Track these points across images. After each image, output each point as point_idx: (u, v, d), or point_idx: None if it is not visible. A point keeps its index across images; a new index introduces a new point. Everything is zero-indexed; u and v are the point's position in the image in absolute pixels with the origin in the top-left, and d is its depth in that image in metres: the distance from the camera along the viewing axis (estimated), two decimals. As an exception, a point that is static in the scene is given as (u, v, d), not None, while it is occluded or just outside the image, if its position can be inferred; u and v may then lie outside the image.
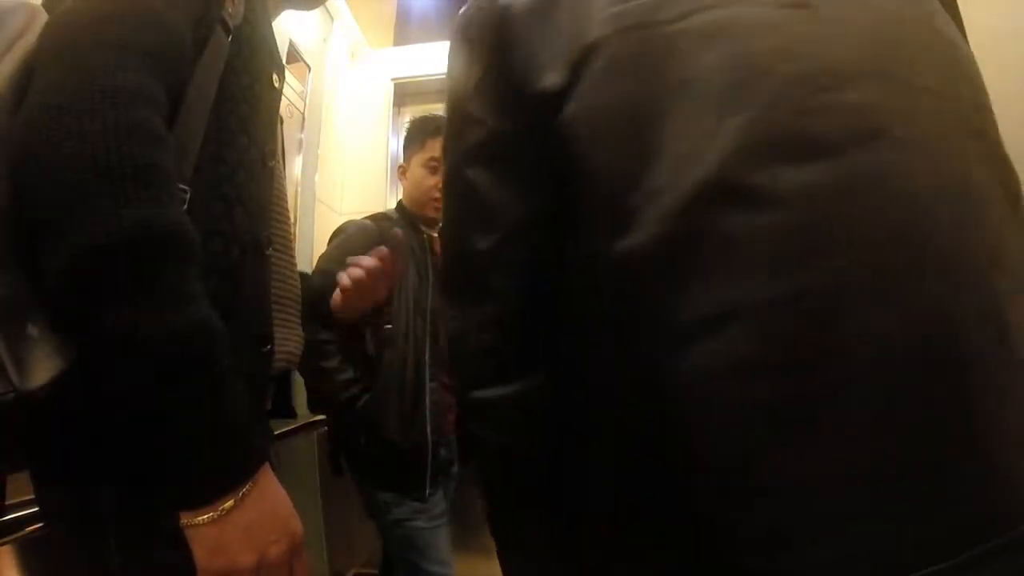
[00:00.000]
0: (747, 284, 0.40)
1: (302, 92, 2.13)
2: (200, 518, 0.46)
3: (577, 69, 0.45)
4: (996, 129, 0.48)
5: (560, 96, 0.46)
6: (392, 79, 2.54)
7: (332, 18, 2.36)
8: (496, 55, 0.49)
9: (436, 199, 1.54)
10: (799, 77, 0.42)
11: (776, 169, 0.40)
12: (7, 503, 0.79)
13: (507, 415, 0.51)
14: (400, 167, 1.63)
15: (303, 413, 1.67)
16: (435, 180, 1.53)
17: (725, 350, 0.40)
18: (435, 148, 1.55)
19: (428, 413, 1.42)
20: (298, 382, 1.62)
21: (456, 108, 0.52)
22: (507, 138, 0.48)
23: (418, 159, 1.56)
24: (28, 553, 0.88)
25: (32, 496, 0.61)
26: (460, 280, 0.54)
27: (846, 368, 0.39)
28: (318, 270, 1.44)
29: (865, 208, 0.40)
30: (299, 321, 0.73)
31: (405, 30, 2.74)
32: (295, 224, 1.96)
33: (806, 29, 0.44)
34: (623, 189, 0.43)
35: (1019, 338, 0.40)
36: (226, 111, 0.58)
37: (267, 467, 0.50)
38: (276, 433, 0.76)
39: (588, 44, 0.45)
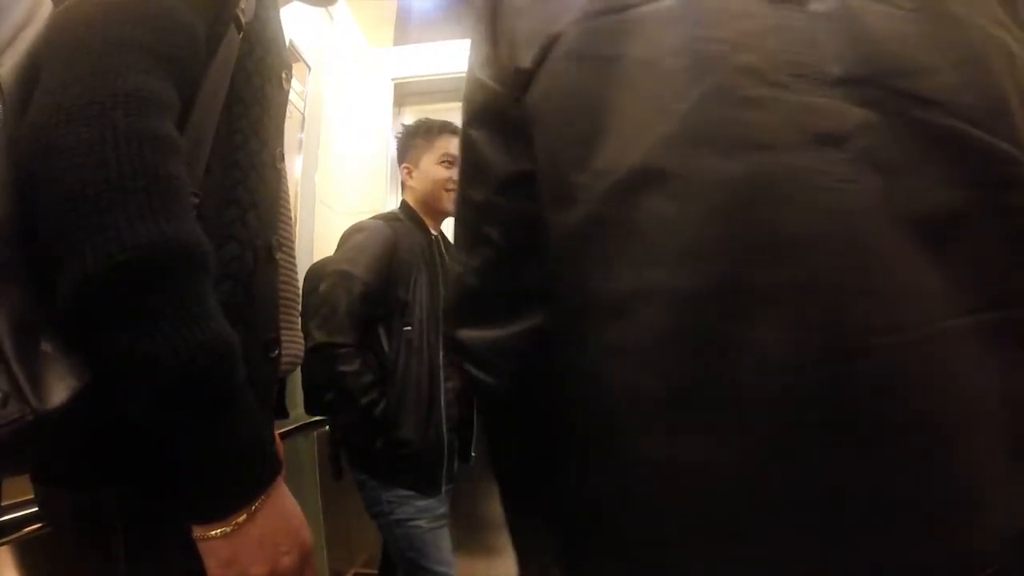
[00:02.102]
0: (655, 271, 0.41)
1: (302, 92, 2.12)
2: (213, 531, 0.46)
3: (544, 53, 0.48)
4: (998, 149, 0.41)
5: (528, 77, 0.49)
6: (392, 79, 2.53)
7: (332, 18, 2.36)
8: (493, 27, 0.53)
9: (451, 190, 1.58)
10: (750, 68, 0.41)
11: (702, 160, 0.40)
12: (2, 504, 0.79)
13: (485, 356, 0.54)
14: (405, 168, 1.64)
15: (301, 413, 1.66)
16: (451, 173, 1.57)
17: (631, 332, 0.42)
18: (446, 145, 1.59)
19: (444, 412, 1.45)
20: (294, 383, 1.62)
21: (470, 74, 0.55)
22: (501, 103, 0.52)
23: (430, 158, 1.59)
24: (26, 554, 0.88)
25: (29, 497, 0.61)
26: (461, 229, 0.57)
27: (735, 367, 0.39)
28: (335, 272, 1.44)
29: (778, 211, 0.39)
30: (300, 323, 0.73)
31: (405, 30, 2.74)
32: (295, 224, 1.95)
33: (782, 23, 0.42)
34: (569, 168, 0.46)
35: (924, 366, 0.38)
36: (237, 113, 0.57)
37: (279, 478, 0.50)
38: (278, 433, 0.76)
39: (555, 32, 0.47)
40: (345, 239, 1.54)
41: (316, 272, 1.58)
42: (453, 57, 2.46)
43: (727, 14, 0.43)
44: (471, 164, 0.55)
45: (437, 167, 1.58)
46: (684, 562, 0.41)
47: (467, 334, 0.55)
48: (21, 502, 0.80)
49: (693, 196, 0.40)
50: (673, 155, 0.41)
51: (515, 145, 0.51)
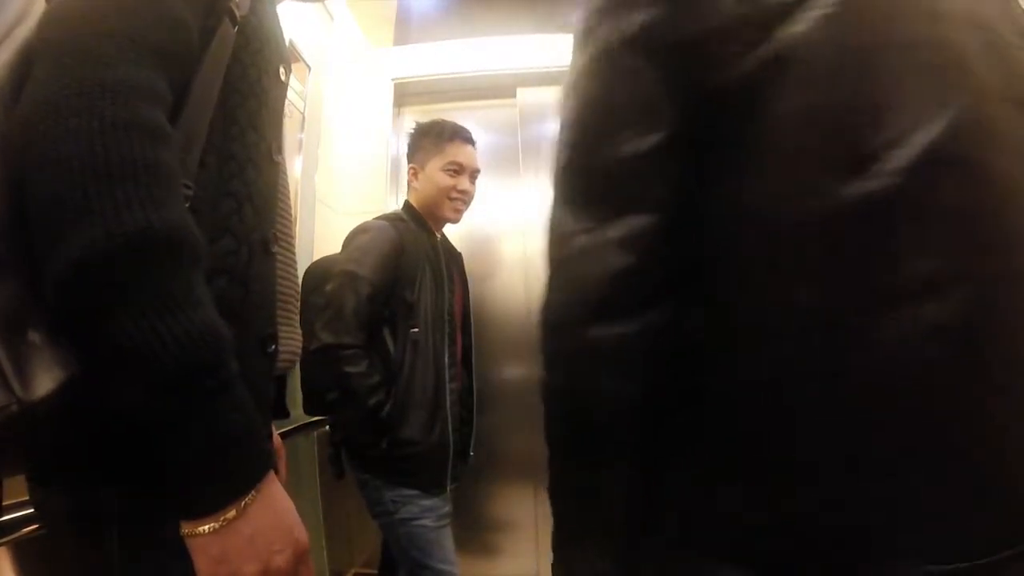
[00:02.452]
0: (964, 256, 0.42)
1: (302, 92, 2.12)
2: (202, 528, 0.45)
3: None
4: None
5: (789, 10, 0.42)
6: (392, 79, 2.53)
7: (332, 18, 2.35)
8: None
9: (453, 199, 1.59)
10: (991, 80, 0.45)
11: (989, 154, 0.43)
12: (3, 504, 0.78)
13: (628, 356, 0.44)
14: (411, 168, 1.64)
15: (301, 413, 1.66)
16: (454, 182, 1.57)
17: (943, 316, 0.40)
18: (455, 153, 1.58)
19: (449, 412, 1.46)
20: (294, 382, 1.62)
21: None
22: (684, 30, 0.42)
23: (436, 163, 1.59)
24: (25, 554, 0.88)
25: (27, 498, 0.61)
26: (596, 186, 0.45)
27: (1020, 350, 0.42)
28: (342, 272, 1.44)
29: None
30: (299, 319, 0.72)
31: (405, 30, 2.74)
32: (295, 224, 1.95)
33: (981, 45, 0.47)
34: (858, 131, 0.41)
35: None
36: (233, 105, 0.57)
37: (271, 475, 0.49)
38: (277, 433, 0.75)
39: None
40: (350, 239, 1.54)
41: (320, 271, 1.57)
42: (453, 57, 2.46)
43: (952, 23, 0.46)
44: (627, 102, 0.44)
45: (441, 174, 1.58)
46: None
47: (599, 332, 0.44)
48: (21, 502, 0.79)
49: (986, 187, 0.43)
50: (966, 145, 0.43)
51: (695, 87, 0.42)
